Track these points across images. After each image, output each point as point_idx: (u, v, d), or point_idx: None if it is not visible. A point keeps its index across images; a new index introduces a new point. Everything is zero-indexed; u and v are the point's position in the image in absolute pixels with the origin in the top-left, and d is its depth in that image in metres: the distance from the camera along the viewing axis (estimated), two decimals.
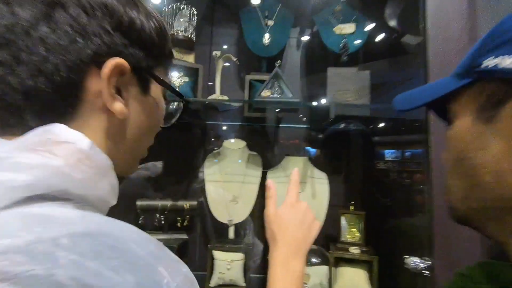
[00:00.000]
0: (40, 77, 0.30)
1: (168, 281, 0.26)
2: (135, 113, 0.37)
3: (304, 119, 1.32)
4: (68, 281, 0.21)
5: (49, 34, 0.30)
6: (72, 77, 0.31)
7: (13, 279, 0.20)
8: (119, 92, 0.34)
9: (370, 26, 1.16)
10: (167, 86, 0.41)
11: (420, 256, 0.77)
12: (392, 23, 1.17)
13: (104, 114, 0.34)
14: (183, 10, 1.15)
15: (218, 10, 1.36)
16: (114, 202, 0.35)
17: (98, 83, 0.32)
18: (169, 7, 1.15)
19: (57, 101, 0.32)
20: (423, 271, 0.73)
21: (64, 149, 0.29)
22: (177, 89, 0.45)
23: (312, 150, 1.32)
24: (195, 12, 1.18)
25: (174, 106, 0.50)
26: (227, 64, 1.16)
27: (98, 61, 0.32)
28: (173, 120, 0.49)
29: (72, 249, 0.23)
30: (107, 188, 0.33)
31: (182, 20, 1.14)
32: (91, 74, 0.32)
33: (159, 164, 1.25)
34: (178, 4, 1.15)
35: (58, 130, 0.31)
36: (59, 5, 0.31)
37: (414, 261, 0.74)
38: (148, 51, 0.37)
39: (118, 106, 0.34)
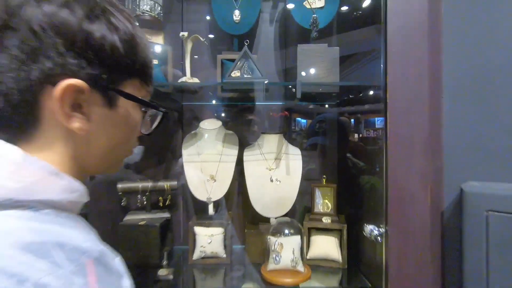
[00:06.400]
0: None
1: None
2: (101, 126, 0.38)
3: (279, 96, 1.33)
4: None
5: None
6: (27, 97, 0.33)
7: None
8: (80, 108, 0.36)
9: None
10: (136, 100, 0.41)
11: (378, 224, 0.83)
12: None
13: (66, 130, 0.36)
14: None
15: None
16: (82, 200, 0.38)
17: (54, 102, 0.34)
18: None
19: (17, 119, 0.34)
20: (377, 239, 0.80)
21: None
22: (148, 100, 0.44)
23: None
24: None
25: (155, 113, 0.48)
26: (199, 38, 1.15)
27: (52, 81, 0.33)
28: (152, 128, 0.48)
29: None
30: (58, 190, 0.35)
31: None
32: (47, 94, 0.34)
33: (137, 149, 1.27)
34: None
35: None
36: (9, 29, 0.32)
37: (370, 229, 0.81)
38: (111, 66, 0.37)
39: (75, 123, 0.35)
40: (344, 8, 1.17)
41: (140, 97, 0.42)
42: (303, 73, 1.07)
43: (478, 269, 0.71)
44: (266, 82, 1.00)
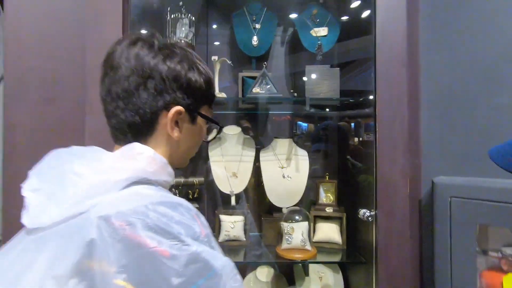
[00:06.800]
0: (136, 116, 0.56)
1: (200, 231, 0.47)
2: (186, 135, 0.61)
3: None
4: (153, 226, 0.44)
5: (142, 94, 0.55)
6: (153, 117, 0.57)
7: (130, 224, 0.45)
8: (177, 124, 0.59)
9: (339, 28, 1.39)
10: (208, 119, 0.63)
11: (370, 208, 1.07)
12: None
13: (168, 136, 0.59)
14: (184, 19, 1.36)
15: (212, 14, 1.56)
16: (172, 182, 0.61)
17: (166, 120, 0.58)
18: (172, 16, 1.36)
19: (144, 129, 0.58)
20: (368, 219, 1.04)
21: (140, 156, 0.55)
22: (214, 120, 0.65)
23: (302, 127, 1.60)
24: (194, 20, 1.39)
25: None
26: (226, 61, 1.39)
27: (167, 107, 0.57)
28: (211, 138, 0.72)
29: (153, 210, 0.46)
30: (166, 175, 0.58)
31: (183, 28, 1.35)
32: (163, 115, 0.57)
33: None
34: (179, 14, 1.36)
35: (136, 146, 0.56)
36: (150, 78, 0.55)
37: (363, 211, 1.05)
38: (198, 97, 0.59)
39: (175, 133, 0.59)
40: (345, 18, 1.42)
41: (209, 116, 0.66)
42: (310, 88, 1.31)
43: (444, 240, 0.94)
44: (281, 96, 1.24)
